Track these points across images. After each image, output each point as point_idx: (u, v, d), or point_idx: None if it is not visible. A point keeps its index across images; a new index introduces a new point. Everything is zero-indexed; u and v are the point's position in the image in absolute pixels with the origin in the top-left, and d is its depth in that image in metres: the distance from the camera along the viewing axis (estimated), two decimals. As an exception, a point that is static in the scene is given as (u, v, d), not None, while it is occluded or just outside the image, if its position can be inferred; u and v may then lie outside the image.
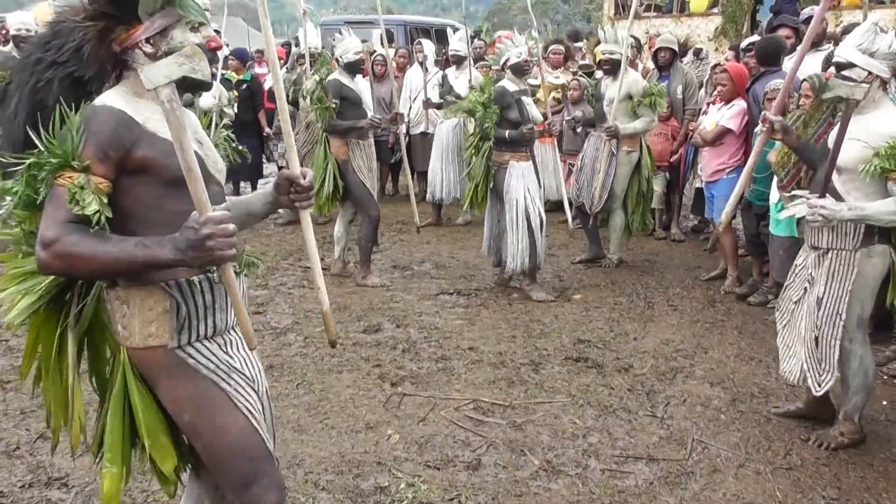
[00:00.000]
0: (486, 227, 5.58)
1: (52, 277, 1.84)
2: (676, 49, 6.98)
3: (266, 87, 8.38)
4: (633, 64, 6.59)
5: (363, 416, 3.56)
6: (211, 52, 1.76)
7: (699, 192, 6.47)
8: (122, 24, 1.73)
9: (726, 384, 3.96)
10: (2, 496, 2.90)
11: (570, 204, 5.95)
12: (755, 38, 7.02)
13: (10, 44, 6.55)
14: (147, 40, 1.74)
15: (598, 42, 7.26)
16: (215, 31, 7.12)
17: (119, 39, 1.74)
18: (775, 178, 4.22)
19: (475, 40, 8.21)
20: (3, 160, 1.74)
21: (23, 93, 1.77)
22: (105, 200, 1.69)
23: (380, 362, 4.20)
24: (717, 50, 12.04)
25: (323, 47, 7.13)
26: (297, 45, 8.11)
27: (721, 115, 5.58)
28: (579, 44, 9.68)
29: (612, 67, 5.77)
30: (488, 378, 4.00)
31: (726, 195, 5.54)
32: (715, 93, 5.92)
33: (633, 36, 6.34)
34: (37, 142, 1.68)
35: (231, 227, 1.63)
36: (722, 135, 5.53)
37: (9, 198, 1.75)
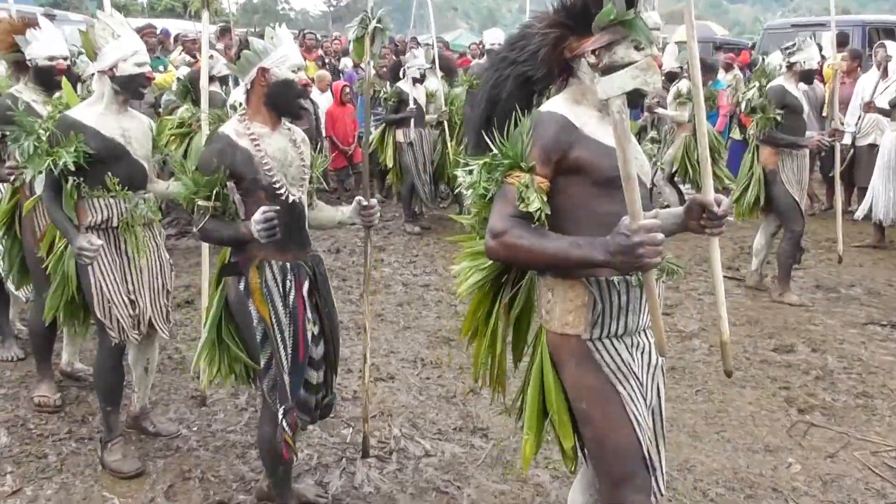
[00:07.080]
0: None
1: None
2: None
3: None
4: None
5: (763, 437, 3.44)
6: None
7: None
8: (575, 34, 1.89)
9: None
10: (439, 433, 3.50)
11: None
12: None
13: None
14: (593, 51, 1.90)
15: None
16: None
17: (570, 47, 1.91)
18: None
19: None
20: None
21: (486, 86, 2.03)
22: (545, 199, 1.85)
23: (788, 385, 3.98)
24: None
25: (763, 53, 6.83)
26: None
27: None
28: None
29: None
30: (920, 428, 3.52)
31: None
32: None
33: None
34: (490, 144, 1.95)
35: (660, 236, 1.67)
36: None
37: (469, 190, 2.06)
